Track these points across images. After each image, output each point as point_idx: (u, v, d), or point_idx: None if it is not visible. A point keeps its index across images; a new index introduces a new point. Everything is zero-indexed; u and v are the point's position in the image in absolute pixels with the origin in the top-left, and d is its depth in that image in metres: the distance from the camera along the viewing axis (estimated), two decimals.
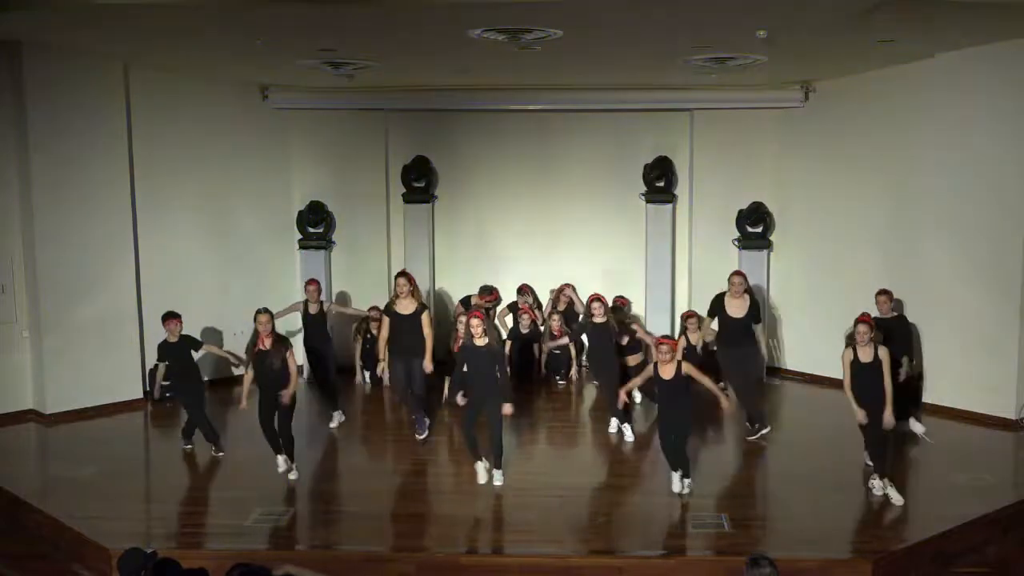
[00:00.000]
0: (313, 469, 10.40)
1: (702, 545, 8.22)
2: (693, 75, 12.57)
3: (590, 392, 13.26)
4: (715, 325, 11.38)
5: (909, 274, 12.42)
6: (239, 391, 10.39)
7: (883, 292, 11.26)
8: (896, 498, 8.94)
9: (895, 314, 11.35)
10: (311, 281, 12.18)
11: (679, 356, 9.21)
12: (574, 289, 13.32)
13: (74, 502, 9.22)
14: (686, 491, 9.15)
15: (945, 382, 11.99)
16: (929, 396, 12.14)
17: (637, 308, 14.46)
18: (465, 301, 13.65)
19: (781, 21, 9.39)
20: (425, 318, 10.75)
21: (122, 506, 9.20)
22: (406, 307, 10.73)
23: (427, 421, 11.03)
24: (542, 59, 11.14)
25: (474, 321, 9.49)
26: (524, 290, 14.00)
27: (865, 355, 9.03)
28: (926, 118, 12.10)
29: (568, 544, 8.25)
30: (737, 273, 11.27)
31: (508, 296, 14.08)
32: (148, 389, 10.46)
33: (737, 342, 11.02)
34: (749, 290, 11.21)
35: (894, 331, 10.70)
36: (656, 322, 14.52)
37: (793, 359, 14.12)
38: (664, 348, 9.06)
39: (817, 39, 10.38)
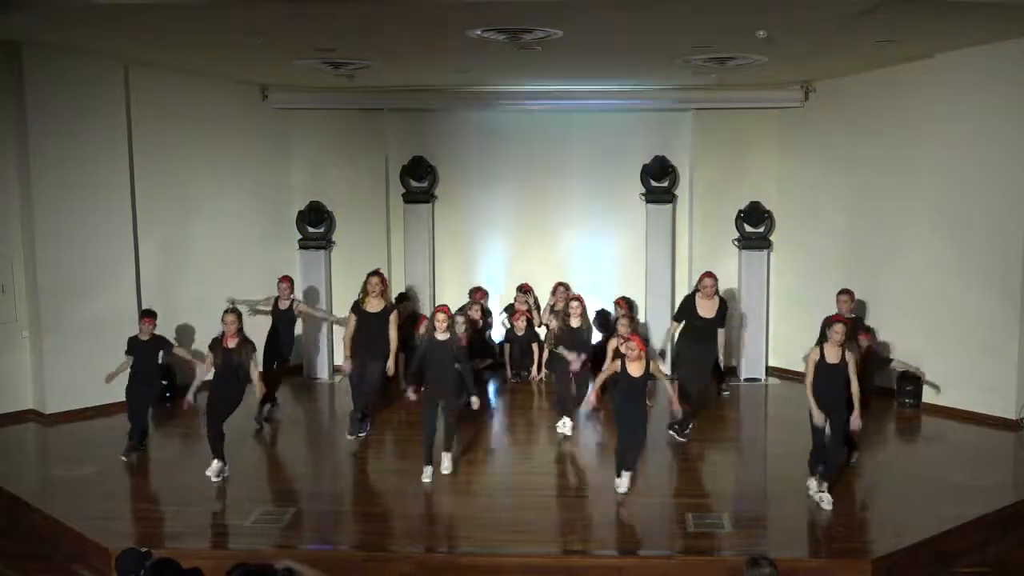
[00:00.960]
0: (312, 469, 10.41)
1: (702, 545, 8.21)
2: (693, 75, 12.56)
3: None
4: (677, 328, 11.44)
5: (909, 274, 12.43)
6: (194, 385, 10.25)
7: (845, 292, 11.38)
8: (827, 503, 8.87)
9: (853, 316, 11.36)
10: (284, 277, 12.39)
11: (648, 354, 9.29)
12: (567, 288, 13.39)
13: (74, 502, 9.22)
14: (623, 489, 9.20)
15: (945, 382, 11.99)
16: (929, 396, 12.15)
17: (637, 308, 14.45)
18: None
19: (781, 21, 9.38)
20: (392, 319, 10.88)
21: (122, 506, 9.21)
22: (375, 306, 10.86)
23: (366, 425, 11.18)
24: (542, 59, 11.13)
25: (439, 316, 9.68)
26: (524, 289, 14.02)
27: (832, 356, 8.95)
28: (926, 118, 12.11)
29: (567, 544, 8.25)
30: (709, 275, 11.23)
31: (506, 296, 14.16)
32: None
33: (701, 341, 11.03)
34: (718, 293, 11.23)
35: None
36: (656, 322, 14.52)
37: (792, 359, 14.10)
38: (632, 345, 9.08)
39: (817, 39, 10.37)
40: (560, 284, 13.75)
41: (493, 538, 8.40)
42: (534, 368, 13.85)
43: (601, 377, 9.88)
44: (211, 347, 9.94)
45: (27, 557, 8.66)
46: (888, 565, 7.86)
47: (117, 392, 12.23)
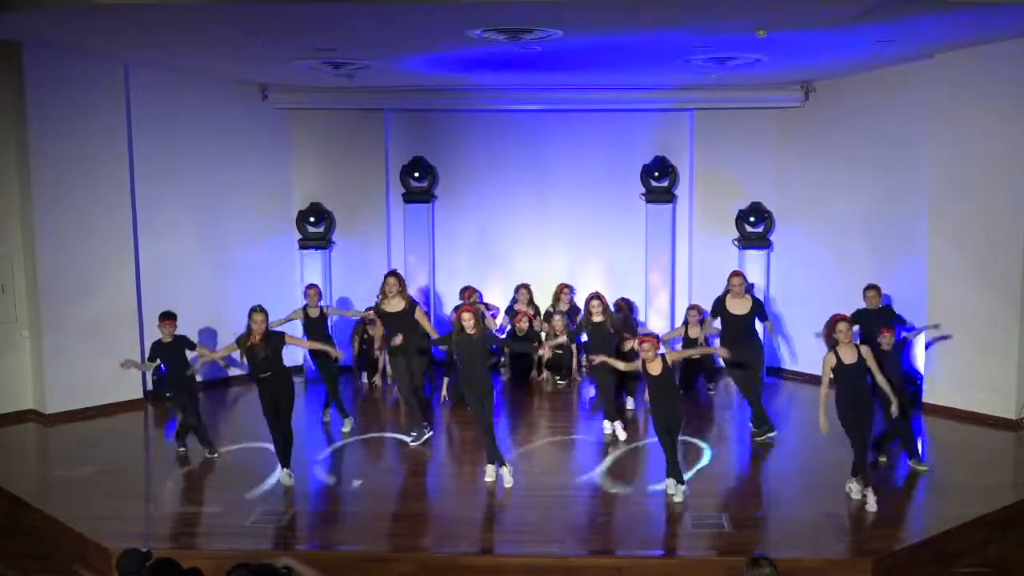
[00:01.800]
0: (313, 469, 10.40)
1: (702, 545, 8.22)
2: (693, 75, 12.56)
3: (589, 392, 13.24)
4: (718, 323, 11.41)
5: (909, 274, 12.43)
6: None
7: (872, 287, 11.37)
8: (871, 504, 8.80)
9: (880, 308, 11.40)
10: (311, 286, 12.25)
11: (666, 349, 9.24)
12: (571, 289, 13.43)
13: (74, 502, 9.23)
14: (679, 498, 9.06)
15: (945, 382, 11.99)
16: (930, 396, 12.15)
17: (637, 308, 14.45)
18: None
19: (781, 21, 9.39)
20: (419, 313, 10.86)
21: (122, 506, 9.20)
22: (394, 306, 10.82)
23: (426, 428, 11.04)
24: (542, 59, 11.13)
25: (466, 315, 9.60)
26: (521, 289, 14.03)
27: (848, 356, 8.85)
28: (925, 118, 12.11)
29: (567, 544, 8.26)
30: (736, 274, 11.35)
31: (503, 295, 14.19)
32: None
33: (739, 338, 11.00)
34: (749, 291, 11.24)
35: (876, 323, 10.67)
36: (656, 322, 14.53)
37: (793, 359, 14.12)
38: (646, 345, 9.04)
39: (817, 39, 10.37)
40: (564, 286, 13.76)
41: (492, 538, 8.40)
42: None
43: (619, 364, 9.85)
44: (238, 341, 9.65)
45: (27, 557, 8.67)
46: (888, 565, 7.86)
47: (117, 393, 12.31)
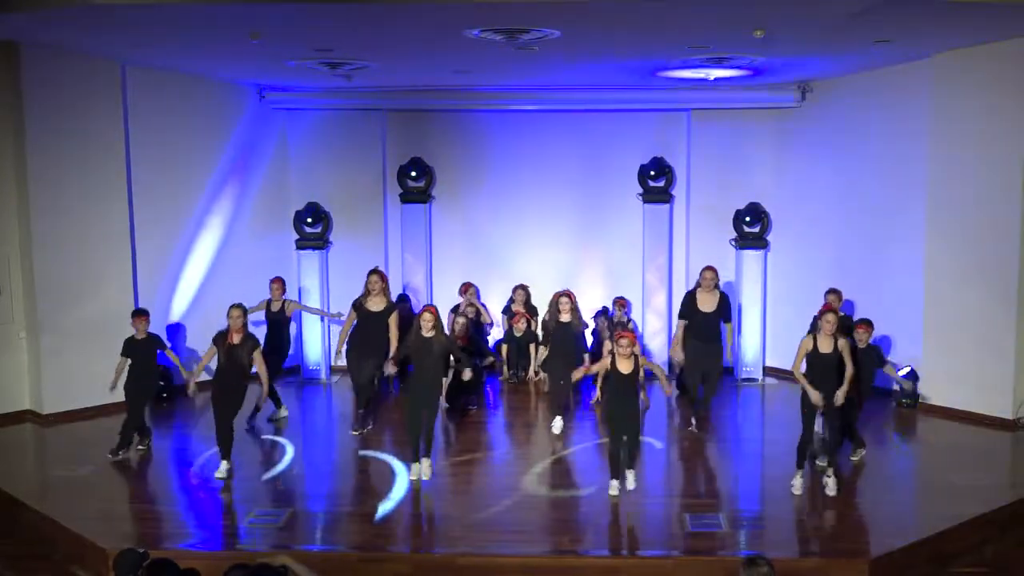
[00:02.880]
0: (309, 469, 10.40)
1: (699, 545, 8.21)
2: (690, 75, 12.56)
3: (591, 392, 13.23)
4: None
5: (906, 273, 12.44)
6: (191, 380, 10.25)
7: (832, 291, 11.48)
8: (831, 488, 9.09)
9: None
10: (275, 279, 12.42)
11: (638, 352, 9.33)
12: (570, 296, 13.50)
13: (71, 502, 9.22)
14: (632, 486, 9.18)
15: (942, 382, 12.00)
16: (927, 396, 12.16)
17: (634, 309, 14.45)
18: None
19: (778, 21, 9.39)
20: (392, 319, 10.89)
21: (119, 506, 9.20)
22: (376, 304, 10.87)
23: (369, 422, 11.26)
24: (539, 59, 11.13)
25: (426, 315, 9.66)
26: (518, 290, 14.03)
27: (825, 346, 9.10)
28: (922, 118, 12.12)
29: (565, 544, 8.25)
30: (709, 268, 11.39)
31: (502, 293, 14.18)
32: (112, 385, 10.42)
33: (703, 337, 11.13)
34: (718, 287, 11.34)
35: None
36: (653, 322, 14.53)
37: (788, 359, 14.06)
38: (624, 341, 9.07)
39: (814, 39, 10.38)
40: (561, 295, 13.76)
41: (490, 538, 8.41)
42: (531, 368, 13.85)
43: (592, 368, 9.92)
44: (215, 341, 9.91)
45: (24, 557, 8.65)
46: (885, 565, 7.87)
47: (114, 392, 12.25)
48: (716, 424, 11.60)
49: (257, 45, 10.22)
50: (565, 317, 11.22)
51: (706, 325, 11.15)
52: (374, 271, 11.12)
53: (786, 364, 13.94)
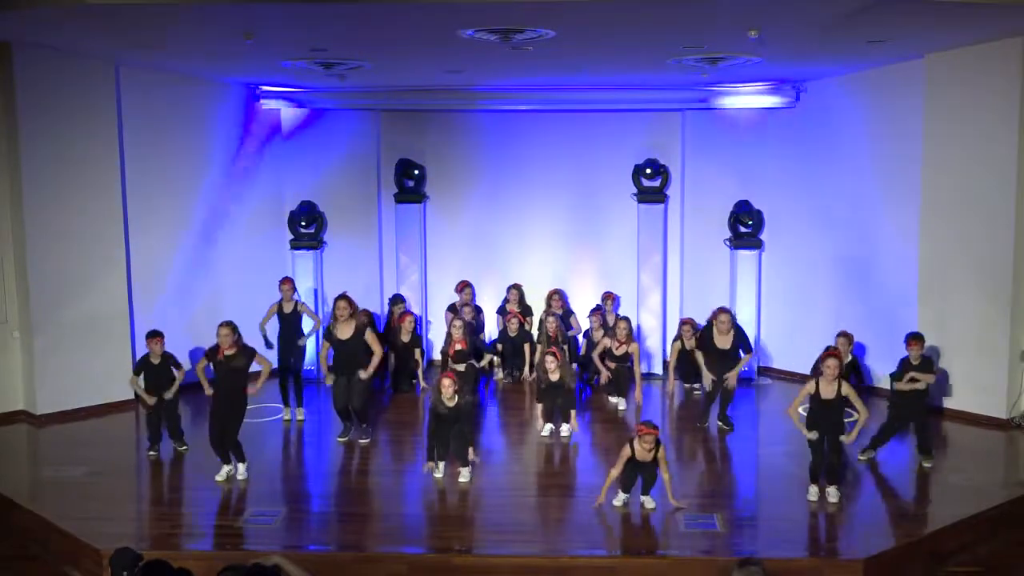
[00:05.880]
0: (306, 470, 10.39)
1: (694, 545, 8.22)
2: (685, 75, 12.56)
3: (586, 393, 13.23)
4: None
5: (901, 274, 12.46)
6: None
7: (843, 334, 11.48)
8: (833, 496, 9.03)
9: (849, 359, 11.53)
10: (285, 279, 12.34)
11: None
12: (561, 295, 13.58)
13: (65, 503, 9.21)
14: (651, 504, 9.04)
15: (938, 382, 11.99)
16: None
17: (628, 308, 14.44)
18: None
19: (773, 21, 9.39)
20: (369, 335, 10.89)
21: (114, 507, 9.18)
22: (344, 332, 10.80)
23: (357, 430, 11.17)
24: (534, 59, 11.12)
25: (446, 382, 9.67)
26: (512, 290, 14.02)
27: (827, 392, 8.99)
28: (917, 118, 12.11)
29: (560, 544, 8.25)
30: (724, 311, 11.58)
31: (497, 293, 14.19)
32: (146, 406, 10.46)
33: (717, 370, 11.44)
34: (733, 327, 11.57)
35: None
36: (648, 322, 14.53)
37: (783, 359, 14.15)
38: (648, 438, 8.61)
39: (809, 39, 10.38)
40: (554, 292, 13.75)
41: (486, 538, 8.41)
42: (526, 368, 13.84)
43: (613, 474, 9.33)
44: (207, 355, 9.88)
45: (18, 558, 8.66)
46: (880, 564, 7.88)
47: (108, 393, 12.28)
48: (711, 424, 11.60)
49: (251, 45, 10.20)
50: (554, 377, 11.14)
51: (721, 358, 11.44)
52: (341, 297, 10.92)
53: (780, 364, 14.09)
